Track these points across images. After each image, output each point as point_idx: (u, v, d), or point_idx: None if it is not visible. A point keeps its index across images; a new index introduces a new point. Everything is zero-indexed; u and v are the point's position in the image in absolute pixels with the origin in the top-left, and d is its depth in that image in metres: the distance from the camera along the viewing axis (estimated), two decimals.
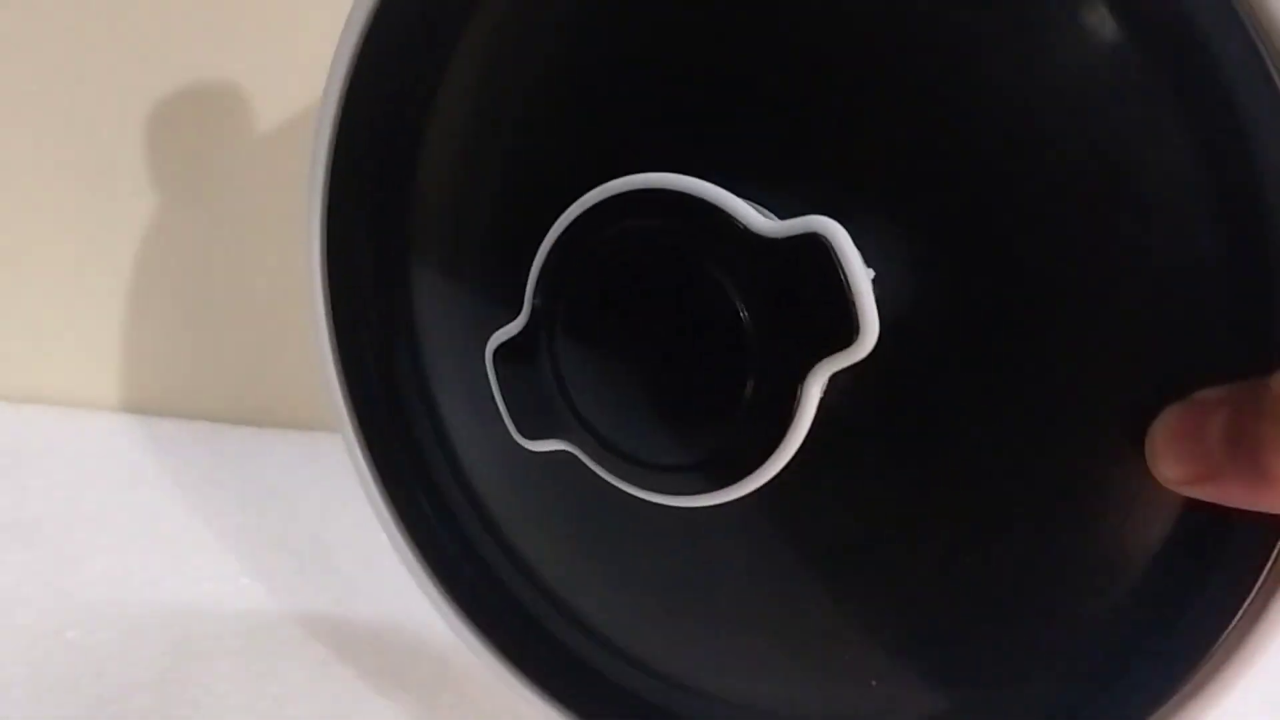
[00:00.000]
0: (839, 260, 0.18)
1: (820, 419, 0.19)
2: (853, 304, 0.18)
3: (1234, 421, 0.18)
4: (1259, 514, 0.18)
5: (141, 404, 0.52)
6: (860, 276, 0.19)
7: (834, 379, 0.19)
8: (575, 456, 0.22)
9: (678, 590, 0.24)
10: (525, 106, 0.24)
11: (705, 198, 0.19)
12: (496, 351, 0.23)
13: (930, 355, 0.20)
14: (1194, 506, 0.19)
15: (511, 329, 0.22)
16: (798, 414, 0.19)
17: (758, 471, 0.20)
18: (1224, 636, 0.19)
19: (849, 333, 0.18)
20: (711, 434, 0.20)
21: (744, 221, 0.19)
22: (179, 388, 0.52)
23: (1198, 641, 0.19)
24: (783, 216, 0.20)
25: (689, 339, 0.20)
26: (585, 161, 0.22)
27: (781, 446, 0.19)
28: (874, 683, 0.22)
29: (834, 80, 0.20)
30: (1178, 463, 0.19)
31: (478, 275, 0.25)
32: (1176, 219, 0.18)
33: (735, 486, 0.20)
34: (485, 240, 0.25)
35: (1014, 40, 0.19)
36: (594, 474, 0.22)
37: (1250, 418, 0.18)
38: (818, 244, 0.18)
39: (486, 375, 0.23)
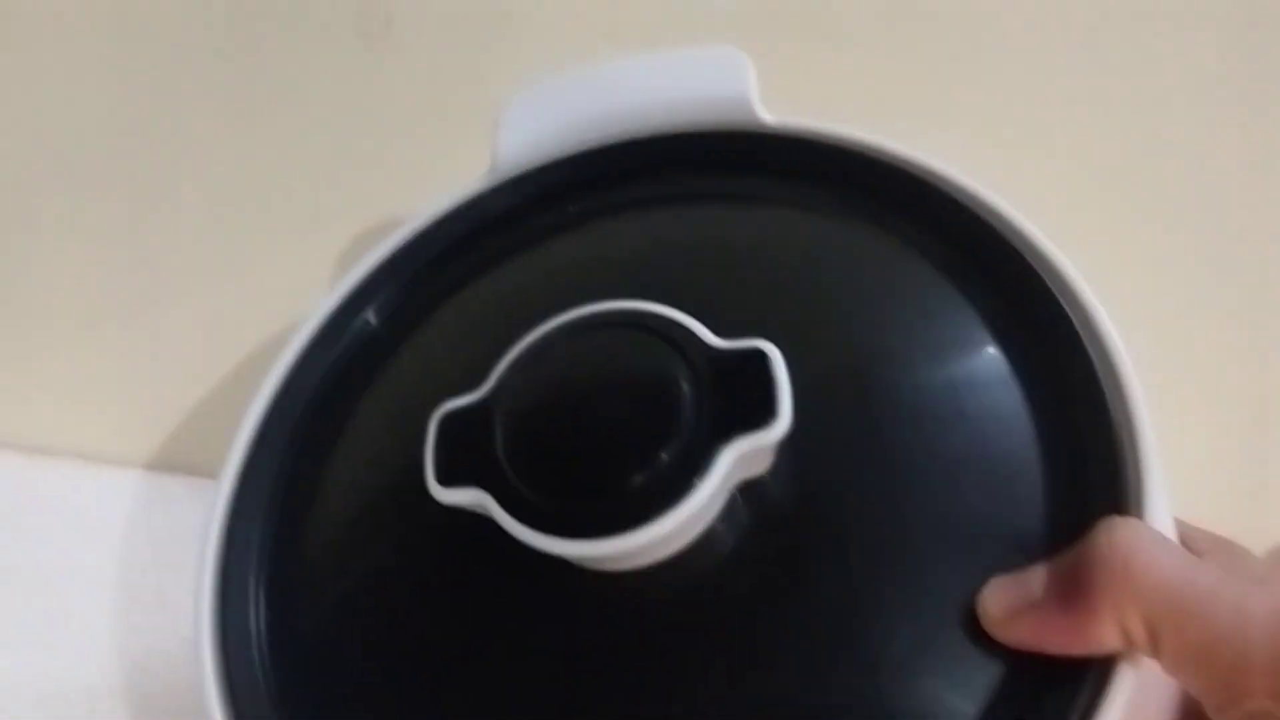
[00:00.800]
0: (771, 367, 0.23)
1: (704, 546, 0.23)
2: (776, 397, 0.22)
3: (1053, 565, 0.21)
4: (1072, 666, 0.21)
5: (154, 460, 0.53)
6: (784, 381, 0.22)
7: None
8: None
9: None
10: None
11: (679, 320, 0.24)
12: (445, 416, 0.25)
13: (801, 515, 0.24)
14: (1015, 670, 0.22)
15: (466, 399, 0.25)
16: (710, 473, 0.22)
17: (659, 519, 0.22)
18: None
19: (768, 416, 0.22)
20: (630, 481, 0.22)
21: (704, 338, 0.24)
22: (193, 445, 0.53)
23: None
24: None
25: (633, 412, 0.23)
26: None
27: (687, 500, 0.22)
28: None
29: None
30: (1002, 600, 0.22)
31: None
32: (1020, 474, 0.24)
33: (636, 531, 0.22)
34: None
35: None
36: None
37: (1068, 559, 0.21)
38: (758, 355, 0.23)
39: None
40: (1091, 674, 0.21)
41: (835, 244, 0.30)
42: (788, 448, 0.23)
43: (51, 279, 0.53)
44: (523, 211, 0.33)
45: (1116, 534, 0.21)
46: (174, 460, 0.52)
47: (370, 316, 0.32)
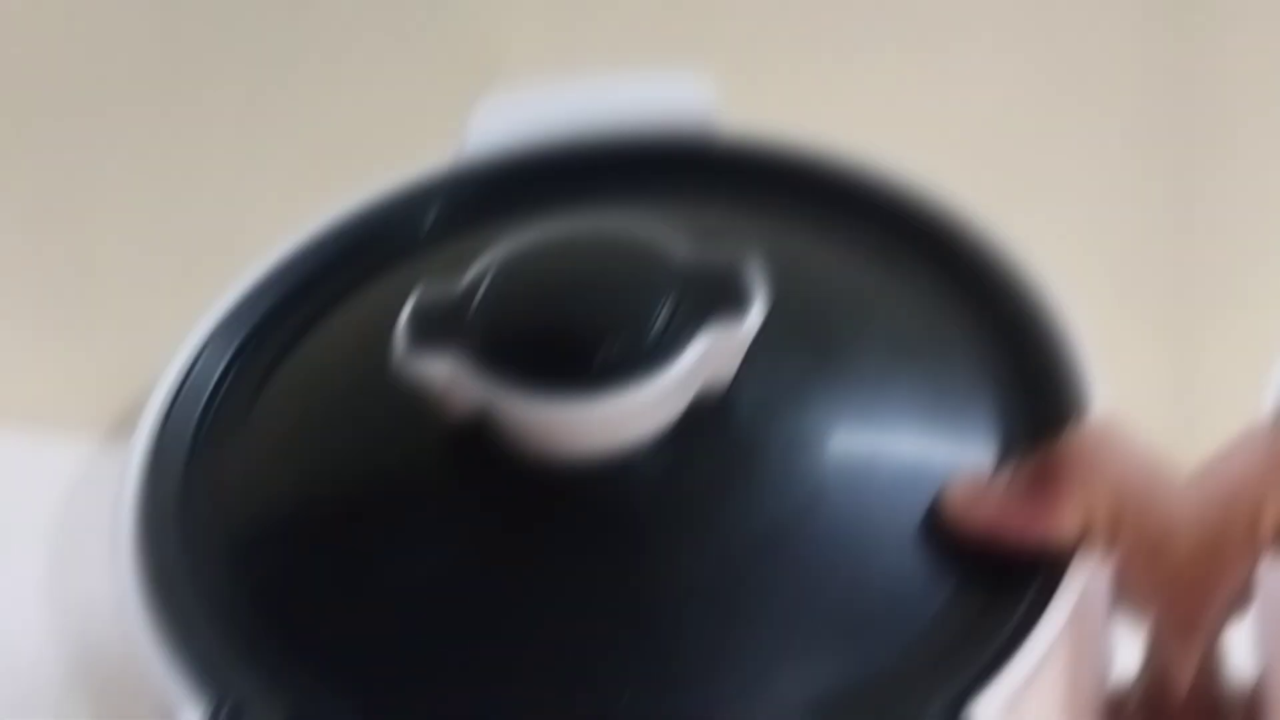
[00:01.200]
0: (748, 272, 0.24)
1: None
2: (750, 296, 0.23)
3: (1019, 463, 0.22)
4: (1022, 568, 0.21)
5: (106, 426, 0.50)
6: (759, 286, 0.24)
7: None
8: None
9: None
10: None
11: (659, 233, 0.25)
12: (416, 303, 0.24)
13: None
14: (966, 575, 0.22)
15: (439, 290, 0.25)
16: (684, 353, 0.22)
17: (630, 387, 0.22)
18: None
19: (742, 310, 0.23)
20: (606, 354, 0.23)
21: (683, 249, 0.25)
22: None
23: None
24: None
25: (612, 301, 0.24)
26: None
27: (659, 375, 0.22)
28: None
29: None
30: (965, 487, 0.22)
31: None
32: None
33: (604, 396, 0.22)
34: None
35: None
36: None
37: (1037, 455, 0.22)
38: (735, 263, 0.24)
39: None
40: (1042, 574, 0.21)
41: (786, 235, 0.32)
42: (751, 366, 0.24)
43: None
44: (489, 191, 0.34)
45: (1093, 425, 0.22)
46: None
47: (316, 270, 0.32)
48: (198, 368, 0.29)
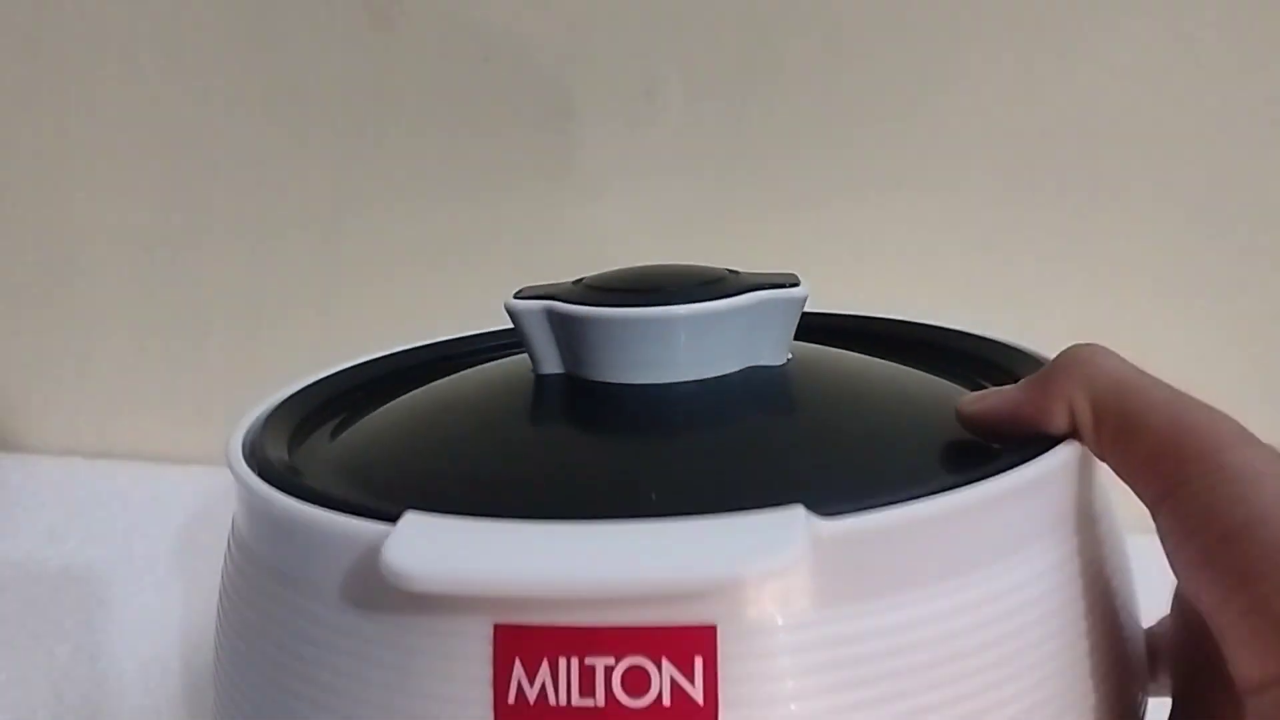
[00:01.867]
0: (797, 278, 0.30)
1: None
2: (800, 281, 0.29)
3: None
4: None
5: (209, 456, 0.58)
6: (806, 285, 0.30)
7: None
8: None
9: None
10: None
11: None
12: (520, 289, 0.30)
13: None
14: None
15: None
16: (741, 298, 0.28)
17: (692, 306, 0.28)
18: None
19: (793, 283, 0.29)
20: (671, 292, 0.28)
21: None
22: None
23: None
24: None
25: (683, 280, 0.29)
26: None
27: (718, 303, 0.28)
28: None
29: None
30: (974, 395, 0.26)
31: None
32: None
33: (672, 308, 0.28)
34: None
35: None
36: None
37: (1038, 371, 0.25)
38: (789, 275, 0.30)
39: None
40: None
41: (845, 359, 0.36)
42: (801, 362, 0.30)
43: (103, 293, 0.63)
44: None
45: (1082, 344, 0.24)
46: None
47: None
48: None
